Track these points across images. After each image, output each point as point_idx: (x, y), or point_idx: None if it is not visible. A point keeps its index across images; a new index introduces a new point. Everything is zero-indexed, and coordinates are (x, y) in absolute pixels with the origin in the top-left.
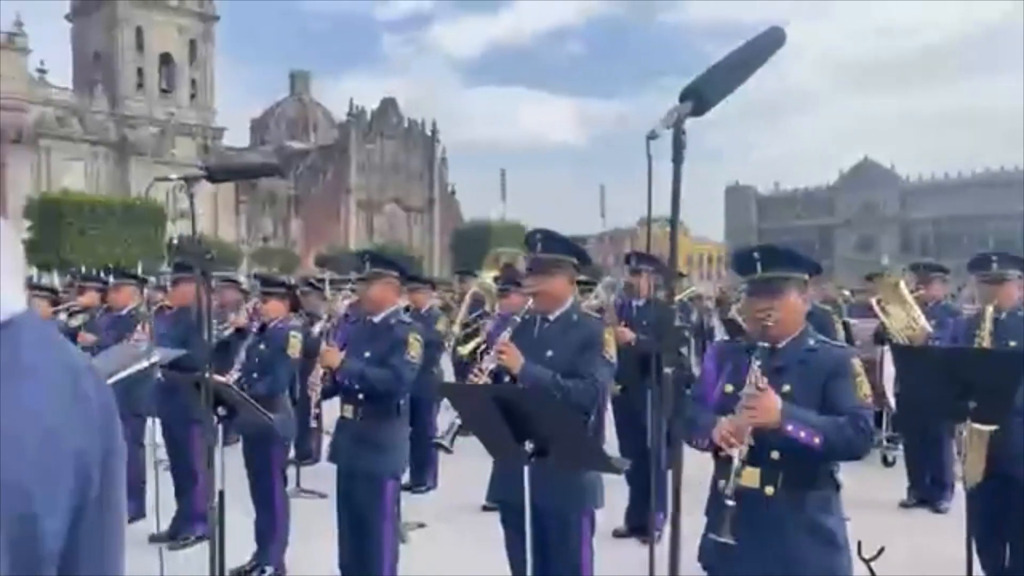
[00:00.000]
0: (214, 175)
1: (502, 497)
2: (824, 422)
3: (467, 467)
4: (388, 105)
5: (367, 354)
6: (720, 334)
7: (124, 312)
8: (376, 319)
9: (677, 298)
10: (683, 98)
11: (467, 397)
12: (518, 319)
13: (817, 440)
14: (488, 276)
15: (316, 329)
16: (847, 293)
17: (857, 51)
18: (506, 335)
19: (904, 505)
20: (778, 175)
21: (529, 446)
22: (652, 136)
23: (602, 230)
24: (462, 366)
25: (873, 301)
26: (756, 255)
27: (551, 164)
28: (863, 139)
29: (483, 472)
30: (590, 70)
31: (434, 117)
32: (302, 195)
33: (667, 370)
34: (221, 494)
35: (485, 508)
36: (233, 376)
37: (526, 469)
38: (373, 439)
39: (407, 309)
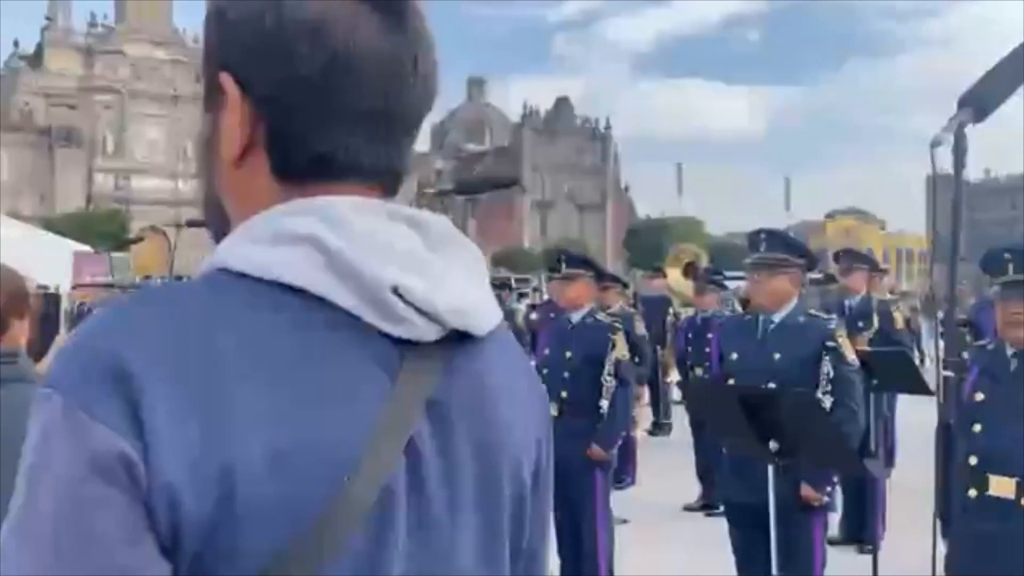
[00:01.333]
0: (463, 189)
1: (732, 496)
2: None
3: (665, 464)
4: (562, 104)
5: (568, 354)
6: (927, 337)
7: None
8: (574, 318)
9: (879, 297)
10: (962, 104)
11: (710, 396)
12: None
13: None
14: (673, 274)
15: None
16: None
17: None
18: None
19: None
20: (989, 161)
21: (774, 445)
22: (936, 144)
23: (788, 223)
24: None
25: None
26: (1007, 255)
27: (730, 156)
28: None
29: (681, 469)
30: (768, 57)
31: (608, 113)
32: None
33: (948, 373)
34: None
35: (687, 508)
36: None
37: (770, 469)
38: (582, 433)
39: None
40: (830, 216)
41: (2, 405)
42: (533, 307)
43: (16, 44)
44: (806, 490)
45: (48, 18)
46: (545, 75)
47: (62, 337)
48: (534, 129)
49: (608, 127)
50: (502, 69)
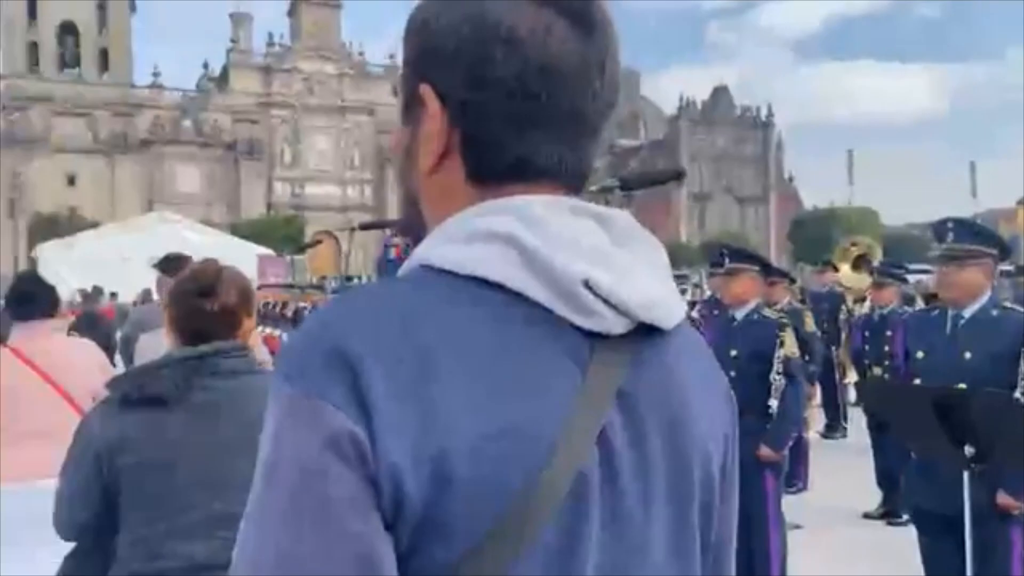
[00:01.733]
0: (627, 185)
1: (921, 503)
2: None
3: (838, 467)
4: (719, 93)
5: (733, 352)
6: None
7: None
8: (739, 315)
9: None
10: None
11: (896, 397)
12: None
13: None
14: (844, 268)
15: None
16: None
17: None
18: None
19: None
20: None
21: (969, 450)
22: None
23: (975, 211)
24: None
25: None
26: None
27: (906, 141)
28: None
29: (856, 473)
30: (948, 33)
31: (769, 101)
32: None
33: None
34: None
35: (867, 515)
36: None
37: (965, 475)
38: (751, 433)
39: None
40: (1022, 202)
41: (241, 394)
42: (693, 304)
43: (206, 66)
44: (1003, 498)
45: (232, 40)
46: (698, 64)
47: (254, 332)
48: (691, 120)
49: (770, 115)
50: (654, 62)
